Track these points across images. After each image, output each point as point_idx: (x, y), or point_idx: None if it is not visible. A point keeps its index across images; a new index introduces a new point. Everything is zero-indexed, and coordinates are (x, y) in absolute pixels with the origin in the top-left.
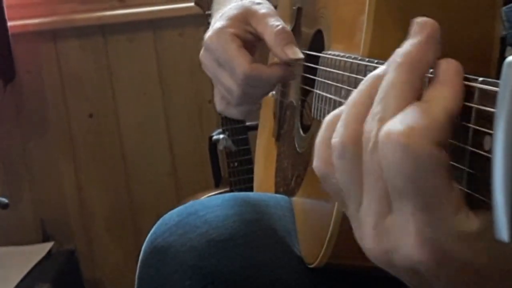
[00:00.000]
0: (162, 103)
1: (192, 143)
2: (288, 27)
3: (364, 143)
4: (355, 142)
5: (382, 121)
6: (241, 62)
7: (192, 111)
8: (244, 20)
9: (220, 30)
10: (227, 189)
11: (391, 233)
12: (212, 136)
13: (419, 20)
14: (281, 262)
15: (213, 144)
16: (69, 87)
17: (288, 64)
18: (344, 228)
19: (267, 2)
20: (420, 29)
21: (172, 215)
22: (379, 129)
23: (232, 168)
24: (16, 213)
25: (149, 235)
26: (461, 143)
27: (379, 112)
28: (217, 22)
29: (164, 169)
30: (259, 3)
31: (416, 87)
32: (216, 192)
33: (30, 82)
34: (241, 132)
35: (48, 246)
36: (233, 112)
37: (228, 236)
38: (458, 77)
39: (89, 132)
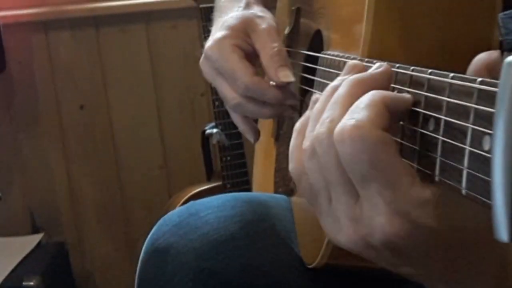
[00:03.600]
0: (154, 95)
1: (184, 136)
2: (287, 29)
3: (321, 144)
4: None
5: (332, 122)
6: (243, 74)
7: (184, 104)
8: (244, 31)
9: (221, 41)
10: (219, 183)
11: (364, 218)
12: (205, 130)
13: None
14: (282, 262)
15: (206, 138)
16: (60, 78)
17: (283, 87)
18: None
19: (269, 13)
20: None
21: (173, 216)
22: (330, 129)
23: (224, 162)
24: (6, 204)
25: (149, 235)
26: (460, 143)
27: (329, 116)
28: (218, 31)
29: (156, 162)
30: (260, 17)
31: (359, 96)
32: (208, 186)
33: (21, 73)
34: (234, 126)
35: (37, 237)
36: (235, 119)
37: (229, 237)
38: (379, 73)
39: (80, 124)
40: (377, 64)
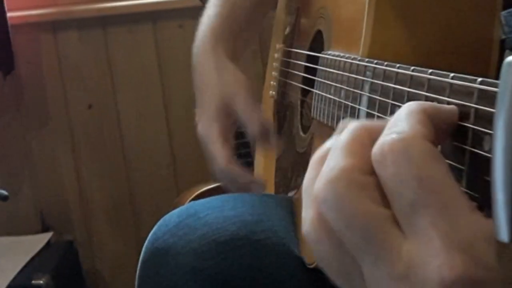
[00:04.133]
0: (162, 94)
1: (191, 135)
2: (287, 29)
3: (326, 202)
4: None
5: (333, 170)
6: (220, 160)
7: (191, 102)
8: (228, 110)
9: (209, 124)
10: None
11: (415, 265)
12: None
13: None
14: (281, 262)
15: None
16: (68, 78)
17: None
18: None
19: (238, 74)
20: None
21: (172, 216)
22: (331, 178)
23: None
24: (16, 203)
25: (149, 236)
26: (461, 143)
27: (329, 165)
28: (205, 113)
29: (164, 160)
30: (234, 93)
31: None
32: (216, 185)
33: (30, 74)
34: (240, 125)
35: (47, 236)
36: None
37: (228, 237)
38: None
39: (88, 123)
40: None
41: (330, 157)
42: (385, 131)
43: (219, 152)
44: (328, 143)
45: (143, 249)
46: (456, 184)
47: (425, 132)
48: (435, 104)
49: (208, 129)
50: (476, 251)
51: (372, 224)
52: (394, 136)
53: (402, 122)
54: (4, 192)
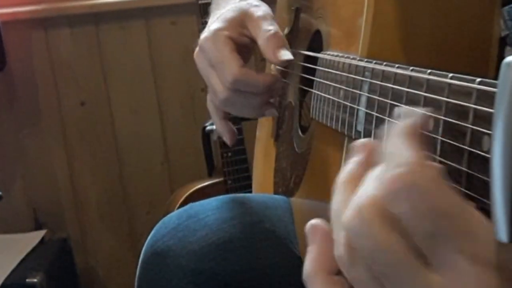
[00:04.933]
0: (155, 91)
1: (185, 132)
2: (286, 29)
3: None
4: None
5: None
6: (231, 65)
7: (185, 99)
8: (241, 23)
9: (216, 32)
10: (221, 179)
11: None
12: (206, 126)
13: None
14: (280, 263)
15: (207, 134)
16: (60, 75)
17: (284, 69)
18: None
19: (264, 4)
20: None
21: (171, 218)
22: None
23: (225, 158)
24: (9, 201)
25: (149, 237)
26: (459, 144)
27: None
28: (214, 23)
29: (157, 157)
30: (256, 5)
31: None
32: (210, 182)
33: (21, 71)
34: (234, 122)
35: (40, 234)
36: (215, 120)
37: (227, 239)
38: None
39: (81, 120)
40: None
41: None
42: (386, 168)
43: (228, 58)
44: (352, 166)
45: (143, 251)
46: (463, 202)
47: (423, 155)
48: (410, 120)
49: (213, 37)
50: (502, 261)
51: (396, 256)
52: (399, 170)
53: (396, 152)
54: None
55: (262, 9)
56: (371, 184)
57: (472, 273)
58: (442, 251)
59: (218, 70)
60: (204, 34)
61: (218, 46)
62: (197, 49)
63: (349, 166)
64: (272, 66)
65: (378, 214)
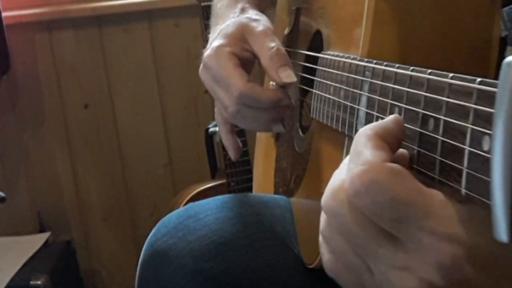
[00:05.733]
0: (158, 93)
1: (188, 134)
2: (286, 29)
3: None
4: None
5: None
6: (237, 81)
7: (188, 101)
8: (242, 38)
9: (218, 49)
10: (224, 180)
11: (414, 259)
12: (209, 128)
13: None
14: (280, 263)
15: (210, 136)
16: (64, 78)
17: (284, 87)
18: None
19: (264, 16)
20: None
21: (171, 218)
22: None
23: (228, 160)
24: (13, 204)
25: (149, 237)
26: (460, 143)
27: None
28: (215, 40)
29: (161, 159)
30: (256, 20)
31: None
32: (213, 184)
33: (25, 73)
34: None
35: (44, 236)
36: (222, 133)
37: (227, 238)
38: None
39: (85, 122)
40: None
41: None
42: (351, 164)
43: (233, 74)
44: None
45: (143, 250)
46: (425, 189)
47: (384, 155)
48: (382, 123)
49: (216, 54)
50: (459, 236)
51: (366, 233)
52: (360, 168)
53: (360, 154)
54: (1, 194)
55: (262, 24)
56: (343, 175)
57: (434, 248)
58: (408, 232)
59: (223, 86)
60: (207, 52)
61: (222, 62)
62: (201, 66)
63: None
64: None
65: (348, 200)
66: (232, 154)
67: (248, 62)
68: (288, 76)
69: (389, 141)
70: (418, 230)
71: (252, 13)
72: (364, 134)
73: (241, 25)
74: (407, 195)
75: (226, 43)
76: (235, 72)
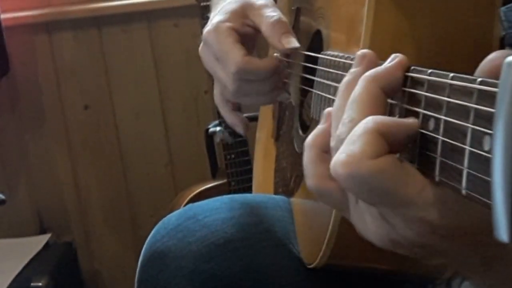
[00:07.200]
0: (158, 94)
1: (188, 134)
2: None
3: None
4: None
5: (352, 122)
6: (234, 55)
7: (188, 101)
8: (243, 13)
9: (218, 25)
10: (224, 180)
11: (385, 219)
12: (209, 128)
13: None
14: (280, 264)
15: (210, 136)
16: (64, 79)
17: (287, 55)
18: (343, 228)
19: None
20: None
21: (171, 219)
22: (351, 129)
23: (229, 160)
24: (13, 205)
25: (148, 238)
26: (460, 143)
27: (348, 116)
28: (216, 16)
29: (161, 160)
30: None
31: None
32: (213, 184)
33: (25, 75)
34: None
35: (45, 238)
36: (225, 113)
37: (226, 239)
38: (395, 66)
39: (85, 124)
40: (392, 56)
41: (346, 111)
42: (342, 147)
43: (232, 49)
44: (349, 77)
45: (142, 251)
46: (405, 181)
47: (370, 153)
48: (390, 121)
49: (216, 29)
50: (428, 218)
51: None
52: (343, 157)
53: (355, 142)
54: (1, 196)
55: (263, 1)
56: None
57: (403, 222)
58: (388, 214)
59: (222, 62)
60: (207, 28)
61: (221, 38)
62: (201, 44)
63: (347, 77)
64: (274, 53)
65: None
66: (241, 130)
67: (250, 38)
68: (290, 41)
69: (391, 140)
70: (390, 212)
71: None
72: (364, 126)
73: (242, 1)
74: (383, 191)
75: (226, 19)
76: (233, 47)
